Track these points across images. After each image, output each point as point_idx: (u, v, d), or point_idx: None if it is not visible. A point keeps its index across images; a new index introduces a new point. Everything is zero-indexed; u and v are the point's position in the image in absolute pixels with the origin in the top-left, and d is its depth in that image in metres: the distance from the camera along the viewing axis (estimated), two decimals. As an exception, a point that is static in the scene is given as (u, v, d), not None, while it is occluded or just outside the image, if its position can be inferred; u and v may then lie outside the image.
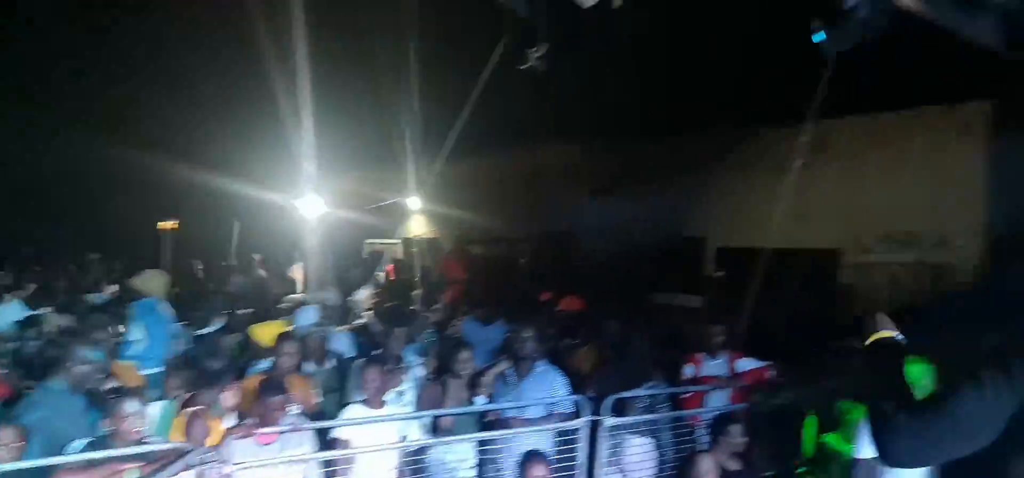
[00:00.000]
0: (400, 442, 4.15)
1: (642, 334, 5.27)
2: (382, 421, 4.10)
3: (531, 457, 3.75)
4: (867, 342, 1.99)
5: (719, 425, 4.61)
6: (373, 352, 5.10)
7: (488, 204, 11.86)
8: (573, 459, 4.38)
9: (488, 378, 4.70)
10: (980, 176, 6.91)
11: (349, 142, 11.62)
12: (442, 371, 4.87)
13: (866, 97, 7.11)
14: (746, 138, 8.91)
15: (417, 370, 4.91)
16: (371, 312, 7.21)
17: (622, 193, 10.71)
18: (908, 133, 7.55)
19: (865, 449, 3.89)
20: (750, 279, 6.76)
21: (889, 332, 1.98)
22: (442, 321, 6.54)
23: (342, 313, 7.19)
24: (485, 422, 4.68)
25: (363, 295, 8.73)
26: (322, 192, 11.37)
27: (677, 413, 4.92)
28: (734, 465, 4.46)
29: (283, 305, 7.41)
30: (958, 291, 6.83)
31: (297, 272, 10.44)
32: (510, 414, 4.59)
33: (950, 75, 6.66)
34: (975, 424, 1.60)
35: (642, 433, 4.77)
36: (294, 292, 9.20)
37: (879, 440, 1.70)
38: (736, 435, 4.49)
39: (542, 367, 4.81)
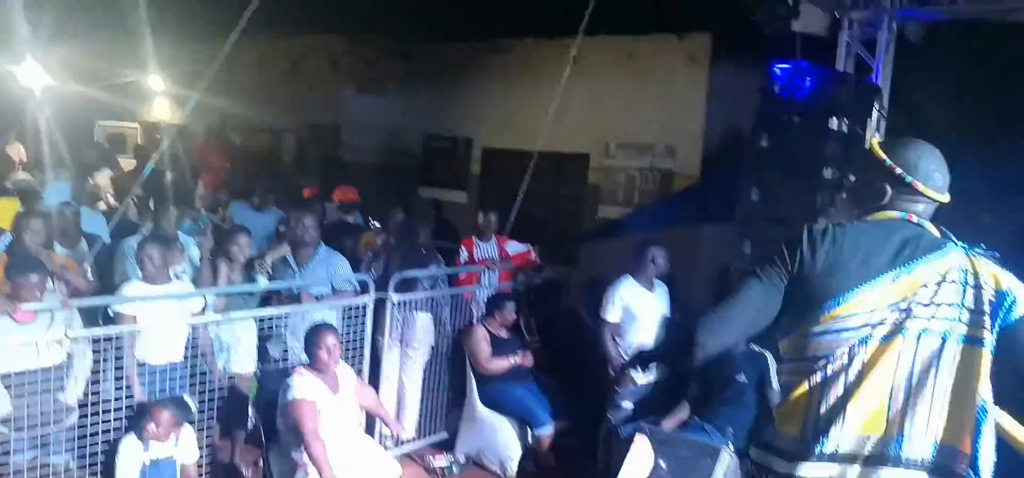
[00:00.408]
0: (190, 318, 4.06)
1: (421, 221, 5.58)
2: (171, 298, 3.97)
3: (321, 328, 3.83)
4: None
5: (493, 301, 5.13)
6: (137, 233, 4.81)
7: (247, 92, 11.21)
8: (358, 334, 4.62)
9: (268, 261, 4.69)
10: (701, 98, 8.12)
11: (79, 4, 10.18)
12: (218, 255, 4.76)
13: (615, 20, 7.95)
14: (511, 48, 9.44)
15: (193, 251, 4.73)
16: (121, 195, 6.65)
17: (390, 91, 10.80)
18: (646, 57, 8.56)
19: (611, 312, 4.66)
20: (513, 177, 7.35)
21: None
22: (210, 206, 6.27)
23: (86, 195, 6.56)
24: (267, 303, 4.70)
25: (103, 178, 7.96)
26: (45, 62, 9.94)
27: (454, 290, 5.33)
28: (505, 334, 5.01)
29: (8, 183, 6.53)
30: (679, 192, 8.06)
31: (15, 149, 9.13)
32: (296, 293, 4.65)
33: (681, 7, 7.72)
34: (760, 305, 1.84)
35: (423, 309, 5.13)
36: (13, 171, 8.10)
37: (696, 336, 1.86)
38: (507, 308, 5.03)
39: (324, 251, 4.88)
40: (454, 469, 4.87)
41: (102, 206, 6.59)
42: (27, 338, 3.38)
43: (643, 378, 4.68)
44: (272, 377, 4.07)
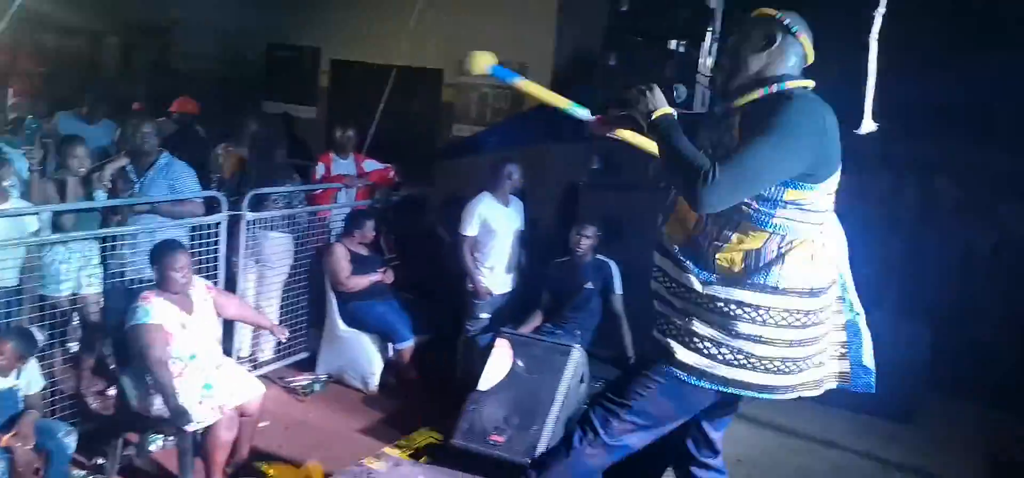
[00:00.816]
0: (22, 239, 3.72)
1: (270, 138, 5.39)
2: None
3: (169, 248, 3.60)
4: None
5: (351, 218, 5.11)
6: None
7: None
8: (213, 253, 4.45)
9: (107, 174, 4.37)
10: (552, 16, 8.27)
11: None
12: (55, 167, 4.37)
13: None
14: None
15: (20, 164, 4.28)
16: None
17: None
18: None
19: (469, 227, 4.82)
20: (364, 92, 7.20)
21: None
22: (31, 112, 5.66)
23: None
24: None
25: None
26: None
27: (311, 208, 5.24)
28: (364, 252, 5.03)
29: None
30: (531, 110, 8.25)
31: None
32: (139, 208, 4.35)
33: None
34: (773, 168, 2.01)
35: (279, 228, 5.01)
36: None
37: (698, 193, 1.95)
38: (366, 226, 5.04)
39: (166, 159, 4.50)
40: (316, 387, 4.88)
41: None
42: None
43: (499, 289, 4.92)
44: (120, 297, 3.86)
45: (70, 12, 9.17)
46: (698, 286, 2.10)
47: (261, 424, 4.07)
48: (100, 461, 3.66)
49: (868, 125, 2.34)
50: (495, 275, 4.93)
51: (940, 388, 4.61)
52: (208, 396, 3.47)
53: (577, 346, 3.55)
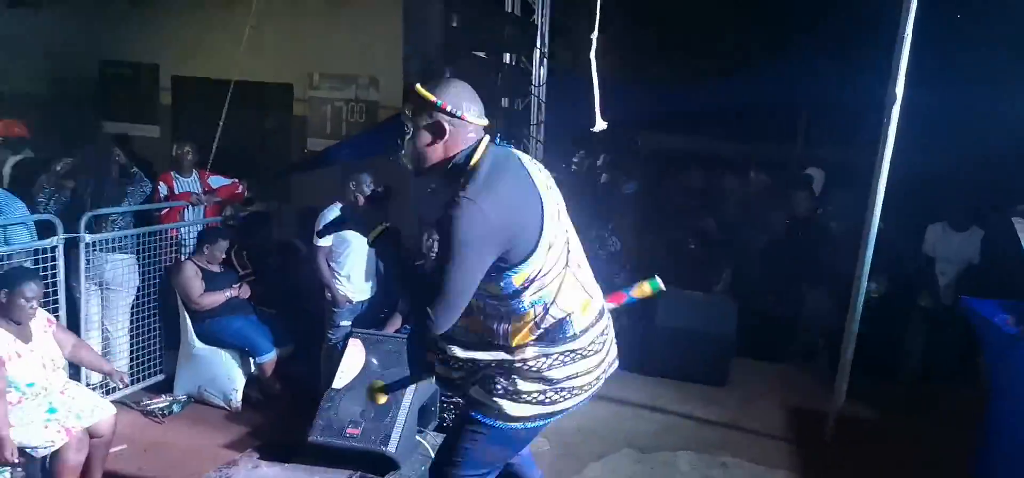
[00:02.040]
0: None
1: (116, 156, 5.23)
2: None
3: (19, 277, 3.47)
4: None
5: (201, 235, 5.06)
6: None
7: None
8: (51, 278, 4.30)
9: None
10: (398, 29, 8.47)
11: None
12: None
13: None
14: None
15: None
16: None
17: (50, 8, 9.43)
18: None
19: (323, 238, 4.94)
20: (210, 108, 7.06)
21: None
22: None
23: None
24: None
25: None
26: None
27: (152, 228, 5.13)
28: (217, 269, 5.01)
29: None
30: (382, 122, 8.43)
31: None
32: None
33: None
34: (468, 281, 2.04)
35: (122, 249, 4.89)
36: None
37: (433, 324, 2.05)
38: (218, 243, 5.01)
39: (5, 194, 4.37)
40: (175, 409, 4.82)
41: None
42: None
43: (358, 296, 5.07)
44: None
45: None
46: (509, 356, 2.19)
47: (116, 448, 4.01)
48: (-64, 502, 3.48)
49: (600, 124, 2.61)
50: (353, 283, 5.06)
51: (748, 354, 5.27)
52: (53, 419, 3.40)
53: (426, 339, 3.80)
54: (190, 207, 5.48)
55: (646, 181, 7.28)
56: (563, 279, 2.15)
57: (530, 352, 2.17)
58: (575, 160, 7.31)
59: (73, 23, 9.28)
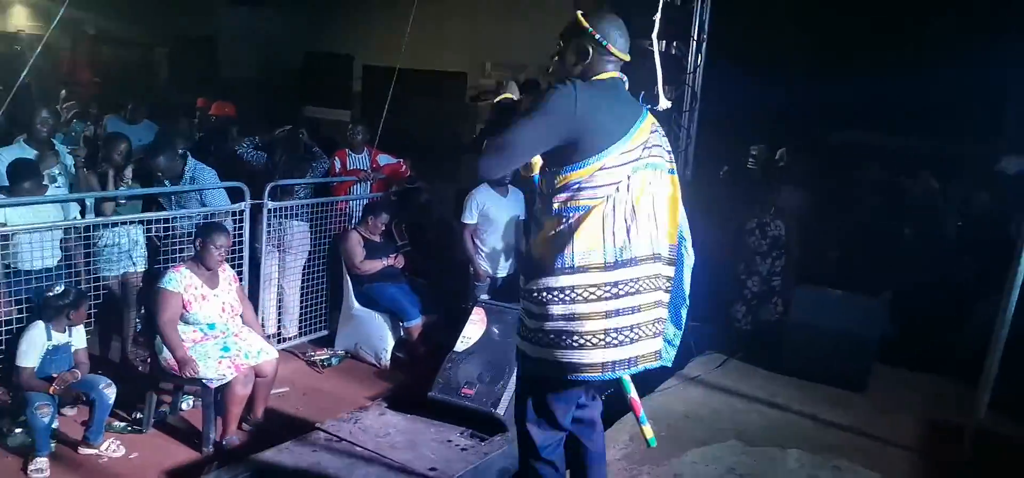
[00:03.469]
0: (64, 221, 4.32)
1: (301, 134, 5.92)
2: (44, 201, 4.24)
3: (213, 227, 4.16)
4: (495, 101, 2.75)
5: (366, 208, 5.61)
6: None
7: (116, 2, 10.83)
8: (238, 239, 4.99)
9: (128, 173, 4.86)
10: (568, 18, 8.65)
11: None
12: (95, 161, 4.96)
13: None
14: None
15: (67, 159, 4.89)
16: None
17: (267, 4, 10.71)
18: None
19: (469, 216, 5.29)
20: (394, 95, 7.68)
21: (511, 95, 2.78)
22: (82, 114, 6.35)
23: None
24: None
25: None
26: None
27: (325, 199, 5.75)
28: (378, 239, 5.52)
29: None
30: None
31: None
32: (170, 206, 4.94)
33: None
34: (534, 143, 2.29)
35: (298, 217, 5.55)
36: None
37: (479, 164, 2.32)
38: (379, 215, 5.51)
39: (190, 167, 4.97)
40: (333, 362, 5.37)
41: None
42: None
43: (498, 273, 5.37)
44: (158, 278, 4.42)
45: (123, 25, 10.02)
46: (523, 284, 2.37)
47: (280, 390, 4.61)
48: (138, 416, 4.23)
49: (664, 103, 2.63)
50: (494, 259, 5.38)
51: (894, 360, 4.85)
52: (226, 357, 4.00)
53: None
54: (359, 182, 6.06)
55: (828, 176, 6.91)
56: (594, 210, 2.25)
57: (534, 285, 2.30)
58: (753, 153, 7.10)
59: (283, 18, 10.51)
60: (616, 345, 2.28)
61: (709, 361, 5.07)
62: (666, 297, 2.41)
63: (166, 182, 4.88)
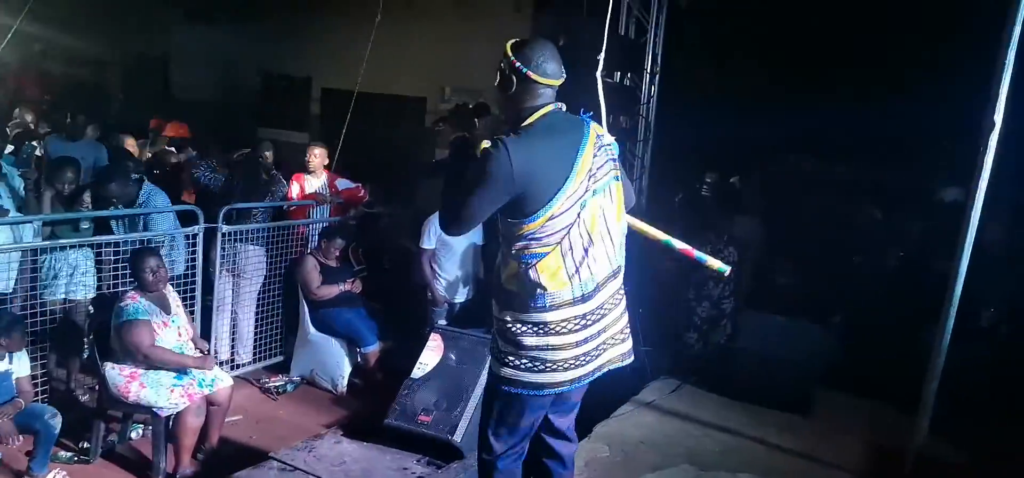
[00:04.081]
0: (15, 245, 4.22)
1: (262, 158, 5.88)
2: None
3: (143, 251, 4.11)
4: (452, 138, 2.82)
5: (322, 232, 5.58)
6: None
7: (64, 16, 10.57)
8: (190, 262, 4.94)
9: (86, 199, 4.78)
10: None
11: None
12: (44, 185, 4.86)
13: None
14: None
15: (15, 181, 4.78)
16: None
17: (222, 23, 10.59)
18: (475, 3, 9.07)
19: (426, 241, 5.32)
20: (353, 118, 7.69)
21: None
22: (23, 135, 6.19)
23: None
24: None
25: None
26: None
27: (282, 223, 5.71)
28: (334, 263, 5.49)
29: None
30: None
31: None
32: (119, 229, 4.86)
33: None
34: (479, 207, 2.32)
35: (254, 242, 5.50)
36: None
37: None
38: (336, 240, 5.49)
39: (146, 190, 4.98)
40: (288, 388, 5.31)
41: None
42: None
43: (455, 298, 5.40)
44: (105, 302, 4.34)
45: (76, 42, 9.80)
46: (496, 311, 2.47)
47: (233, 418, 4.53)
48: (85, 445, 4.13)
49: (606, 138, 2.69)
50: (452, 285, 5.41)
51: (839, 385, 5.03)
52: (179, 385, 3.93)
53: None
54: (316, 206, 6.03)
55: (778, 203, 7.12)
56: (552, 252, 2.32)
57: (508, 316, 2.40)
58: (708, 180, 7.28)
59: (241, 38, 10.41)
60: (586, 363, 2.42)
61: (663, 386, 5.16)
62: (623, 303, 2.51)
63: (119, 206, 4.80)
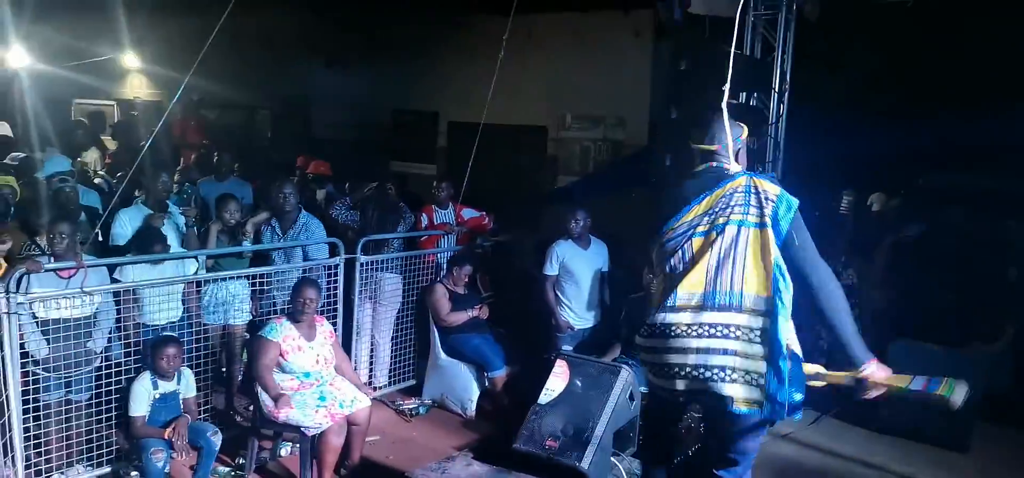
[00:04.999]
0: (181, 278, 4.68)
1: (389, 191, 6.19)
2: (162, 258, 4.60)
3: (302, 281, 4.45)
4: None
5: (451, 261, 5.79)
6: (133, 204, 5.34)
7: (219, 67, 11.59)
8: (334, 291, 5.27)
9: (250, 227, 5.27)
10: (646, 71, 8.77)
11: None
12: (207, 220, 5.37)
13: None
14: (467, 24, 9.94)
15: (179, 219, 5.27)
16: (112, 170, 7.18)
17: (356, 67, 11.25)
18: (594, 31, 9.12)
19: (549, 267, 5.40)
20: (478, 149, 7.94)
21: None
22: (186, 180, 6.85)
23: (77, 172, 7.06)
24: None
25: (91, 156, 8.50)
26: (27, 42, 10.27)
27: (413, 252, 5.97)
28: (462, 291, 5.68)
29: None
30: (626, 159, 8.75)
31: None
32: (280, 259, 5.28)
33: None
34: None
35: (390, 270, 5.78)
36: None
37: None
38: (464, 268, 5.68)
39: (304, 219, 5.36)
40: (421, 410, 5.55)
41: (97, 181, 7.12)
42: (67, 291, 3.92)
43: (580, 324, 5.42)
44: (257, 329, 4.70)
45: (227, 90, 10.74)
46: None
47: (372, 438, 4.78)
48: (240, 461, 4.49)
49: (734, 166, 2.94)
50: (575, 311, 5.45)
51: (1003, 418, 4.58)
52: (322, 406, 4.20)
53: (626, 367, 3.99)
54: (445, 235, 6.27)
55: (918, 220, 6.69)
56: (659, 276, 2.82)
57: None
58: (847, 199, 6.97)
59: (373, 78, 11.02)
60: (677, 377, 2.70)
61: (801, 418, 4.92)
62: (761, 349, 2.62)
63: (276, 227, 5.23)
